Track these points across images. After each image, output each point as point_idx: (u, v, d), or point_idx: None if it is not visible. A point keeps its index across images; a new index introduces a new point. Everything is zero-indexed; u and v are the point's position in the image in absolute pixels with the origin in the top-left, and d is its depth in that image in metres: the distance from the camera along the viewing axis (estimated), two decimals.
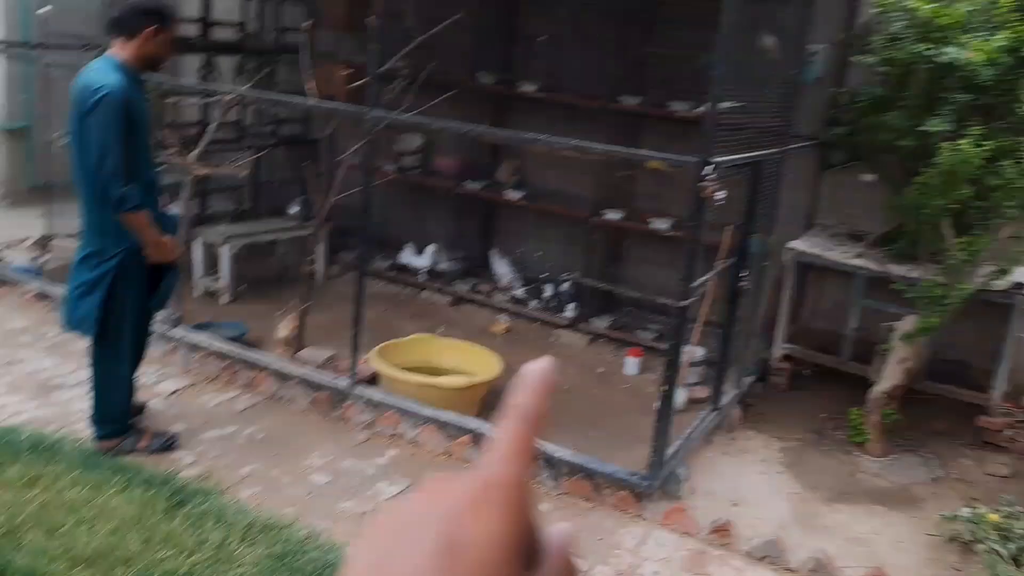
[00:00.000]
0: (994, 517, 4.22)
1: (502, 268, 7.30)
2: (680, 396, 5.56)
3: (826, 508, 4.56)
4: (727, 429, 5.30)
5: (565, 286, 7.01)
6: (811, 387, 6.10)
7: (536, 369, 0.56)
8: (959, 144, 4.64)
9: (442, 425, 4.68)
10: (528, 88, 6.67)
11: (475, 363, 5.24)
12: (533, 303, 6.91)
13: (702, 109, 6.04)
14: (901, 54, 5.01)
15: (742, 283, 4.82)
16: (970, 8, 4.98)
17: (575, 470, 4.36)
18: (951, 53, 4.80)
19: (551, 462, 4.40)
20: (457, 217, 7.57)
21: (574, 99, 6.44)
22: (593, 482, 4.32)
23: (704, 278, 4.24)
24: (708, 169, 3.71)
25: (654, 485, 4.11)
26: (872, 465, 5.10)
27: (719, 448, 5.11)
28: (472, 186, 6.95)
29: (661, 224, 6.23)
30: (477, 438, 4.59)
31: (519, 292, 7.06)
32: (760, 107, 4.62)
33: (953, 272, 4.95)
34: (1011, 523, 4.23)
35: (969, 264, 4.92)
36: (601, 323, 6.62)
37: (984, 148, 4.64)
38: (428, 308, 7.16)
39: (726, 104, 3.95)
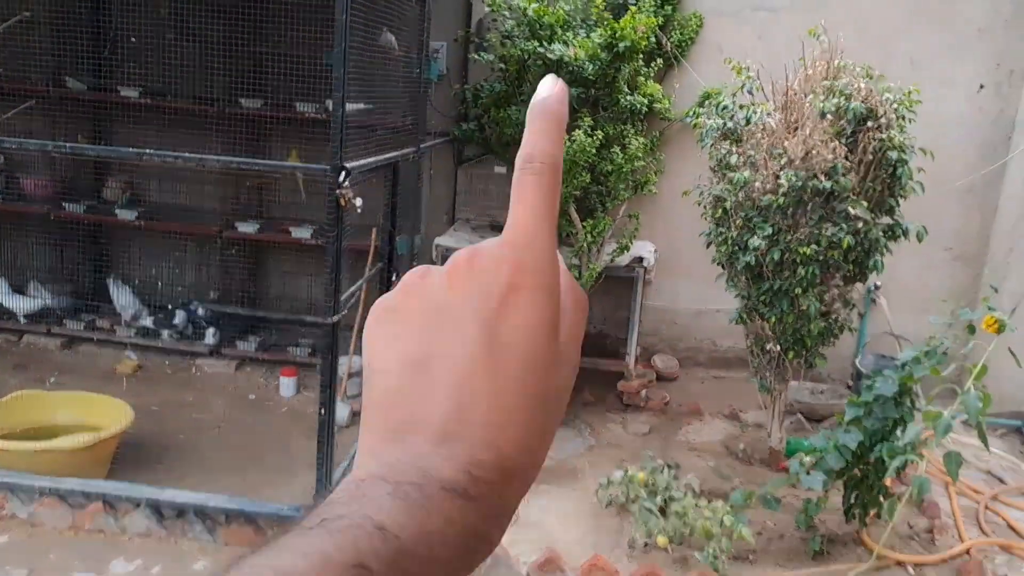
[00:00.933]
0: (641, 476, 4.57)
1: (123, 298, 6.44)
2: (343, 411, 5.33)
3: None
4: None
5: (201, 310, 6.38)
6: None
7: (549, 97, 0.49)
8: (575, 135, 4.93)
9: (64, 495, 3.93)
10: (129, 94, 5.90)
11: (99, 415, 4.50)
12: (165, 333, 6.19)
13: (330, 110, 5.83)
14: (515, 51, 5.21)
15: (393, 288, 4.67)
16: (568, 7, 5.32)
17: (233, 517, 3.91)
18: (558, 50, 5.08)
19: (203, 513, 3.90)
20: (58, 246, 6.51)
21: (186, 104, 5.82)
22: (255, 526, 3.91)
23: (353, 288, 4.02)
24: (342, 176, 3.47)
25: None
26: None
27: None
28: (73, 208, 6.00)
29: (302, 232, 5.90)
30: (111, 504, 3.93)
31: (147, 323, 6.28)
32: (389, 106, 4.49)
33: (583, 253, 5.28)
34: (655, 478, 4.62)
35: (595, 244, 5.28)
36: (248, 345, 6.12)
37: (595, 138, 4.99)
38: (33, 355, 6.09)
39: (354, 106, 3.75)
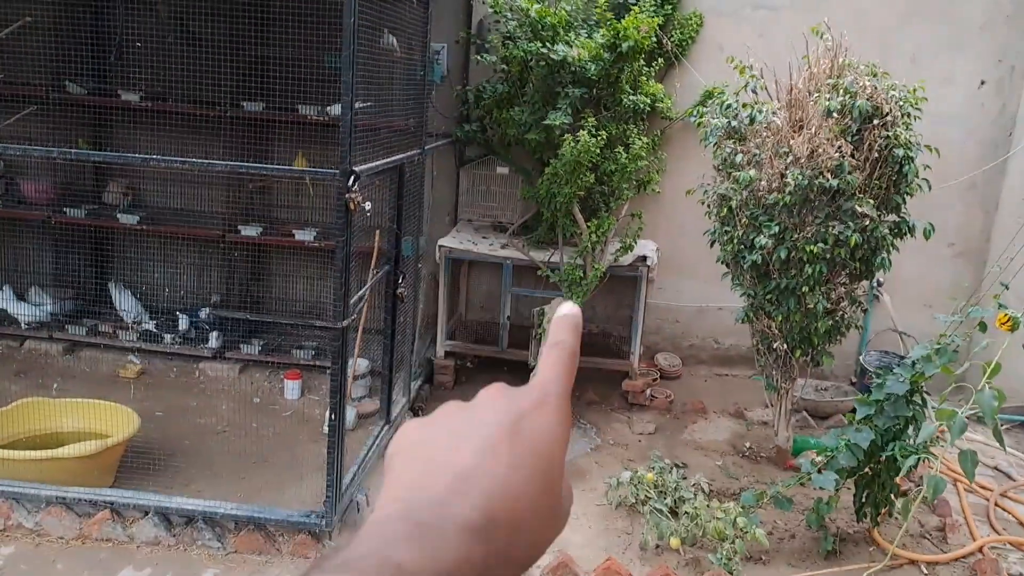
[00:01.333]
0: (650, 476, 4.57)
1: (125, 302, 6.41)
2: (348, 414, 5.31)
3: None
4: None
5: (204, 313, 6.35)
6: (476, 380, 6.19)
7: (569, 312, 0.65)
8: (579, 135, 4.92)
9: (70, 504, 3.91)
10: (131, 98, 5.87)
11: (104, 422, 4.48)
12: (168, 337, 6.16)
13: (335, 113, 5.80)
14: (517, 52, 5.19)
15: (400, 289, 4.66)
16: (570, 7, 5.31)
17: (242, 524, 3.89)
18: (561, 51, 5.06)
19: (212, 520, 3.88)
20: (60, 251, 6.48)
21: (188, 108, 5.80)
22: (265, 532, 3.90)
23: (361, 292, 4.01)
24: (351, 180, 3.46)
25: (332, 521, 3.81)
26: None
27: None
28: (74, 213, 5.97)
29: (306, 235, 5.87)
30: (119, 512, 3.91)
31: (150, 327, 6.25)
32: (394, 109, 4.48)
33: (587, 253, 5.28)
34: (664, 478, 4.62)
35: (600, 244, 5.27)
36: (251, 348, 6.09)
37: (600, 138, 4.98)
38: (36, 361, 6.05)
39: (361, 106, 3.73)
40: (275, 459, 4.89)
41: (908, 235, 4.63)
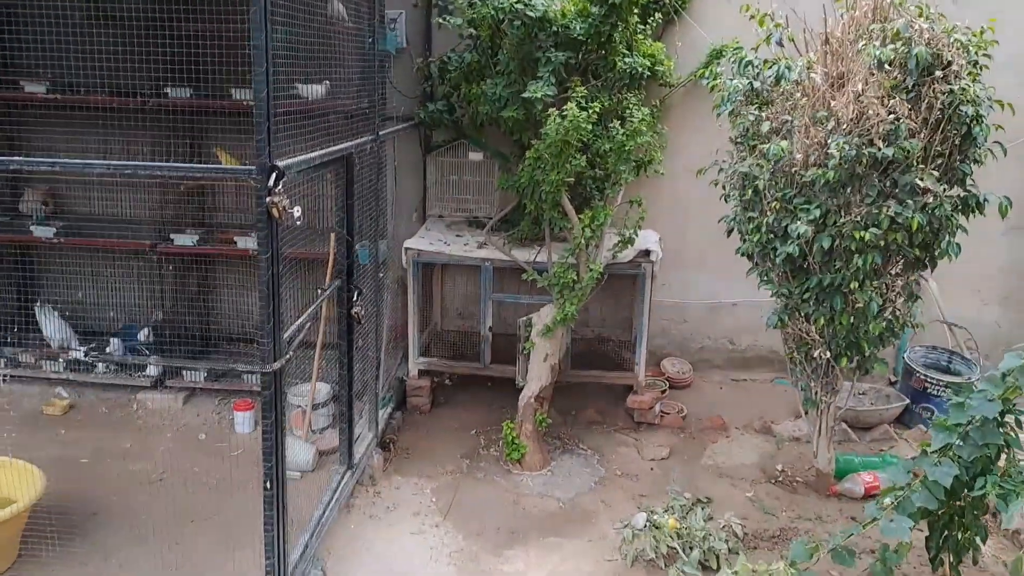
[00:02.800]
0: (672, 523, 3.74)
1: (53, 327, 5.52)
2: (306, 453, 4.45)
3: (497, 560, 3.76)
4: (369, 483, 4.30)
5: (142, 335, 5.47)
6: (455, 400, 5.35)
7: None
8: (566, 109, 4.05)
9: None
10: (35, 89, 4.96)
11: (5, 481, 3.64)
12: (100, 366, 5.28)
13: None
14: (486, 10, 4.29)
15: (356, 309, 3.79)
16: None
17: None
18: (540, 5, 4.18)
19: None
20: None
21: (102, 99, 4.87)
22: None
23: (302, 318, 3.14)
24: (273, 178, 2.58)
25: None
26: (535, 483, 4.44)
27: (363, 511, 4.08)
28: None
29: (250, 242, 4.99)
30: None
31: (79, 354, 5.37)
32: (338, 88, 3.59)
33: (580, 251, 4.42)
34: (688, 524, 3.80)
35: (595, 239, 4.42)
36: (195, 375, 5.22)
37: (591, 111, 4.11)
38: None
39: (293, 90, 2.86)
40: (218, 514, 4.04)
41: (976, 212, 3.78)
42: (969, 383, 3.32)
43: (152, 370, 5.24)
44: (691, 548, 3.64)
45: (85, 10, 4.91)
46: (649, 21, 4.85)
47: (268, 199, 2.61)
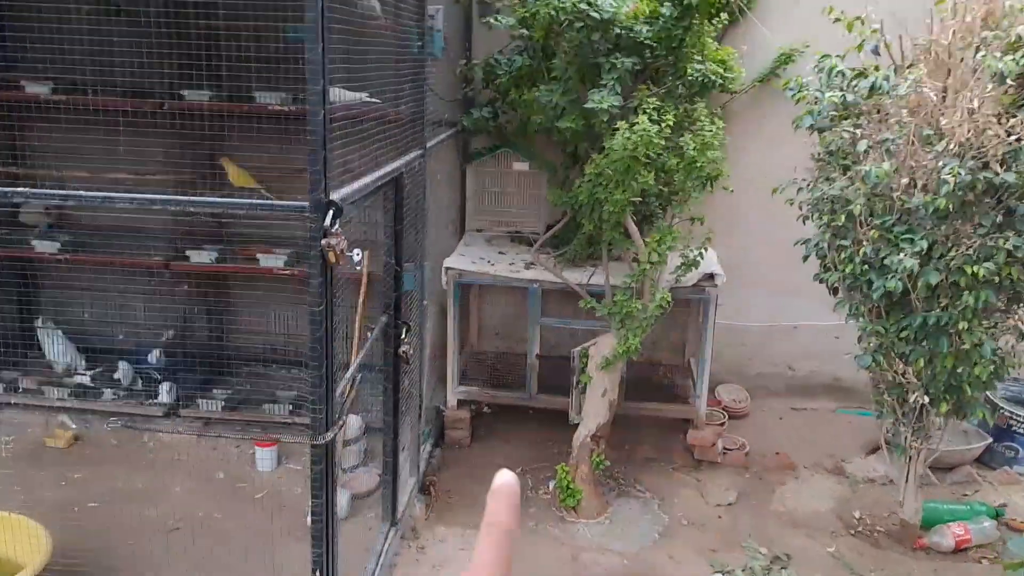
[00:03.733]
0: None
1: (57, 348, 5.10)
2: (341, 499, 4.03)
3: None
4: (411, 536, 3.88)
5: (153, 358, 5.04)
6: (496, 432, 4.93)
7: (504, 483, 0.64)
8: (636, 122, 3.61)
9: None
10: (39, 90, 4.52)
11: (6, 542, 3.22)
12: (108, 391, 4.86)
13: (308, 104, 4.47)
14: (544, 10, 3.84)
15: (404, 348, 3.36)
16: None
17: None
18: (607, 7, 3.73)
19: None
20: None
21: (113, 102, 4.43)
22: None
23: (348, 373, 2.71)
24: (330, 217, 2.15)
25: None
26: (592, 533, 4.03)
27: (407, 572, 3.67)
28: None
29: (273, 261, 4.56)
30: None
31: (85, 379, 4.95)
32: (384, 96, 3.15)
33: (646, 276, 3.99)
34: None
35: (662, 263, 3.99)
36: (211, 404, 4.80)
37: (664, 123, 3.68)
38: None
39: (339, 101, 2.43)
40: (245, 567, 3.62)
41: None
42: None
43: (164, 397, 4.82)
44: None
45: (94, 4, 4.48)
46: (713, 22, 4.40)
47: (324, 241, 2.19)
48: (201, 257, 4.61)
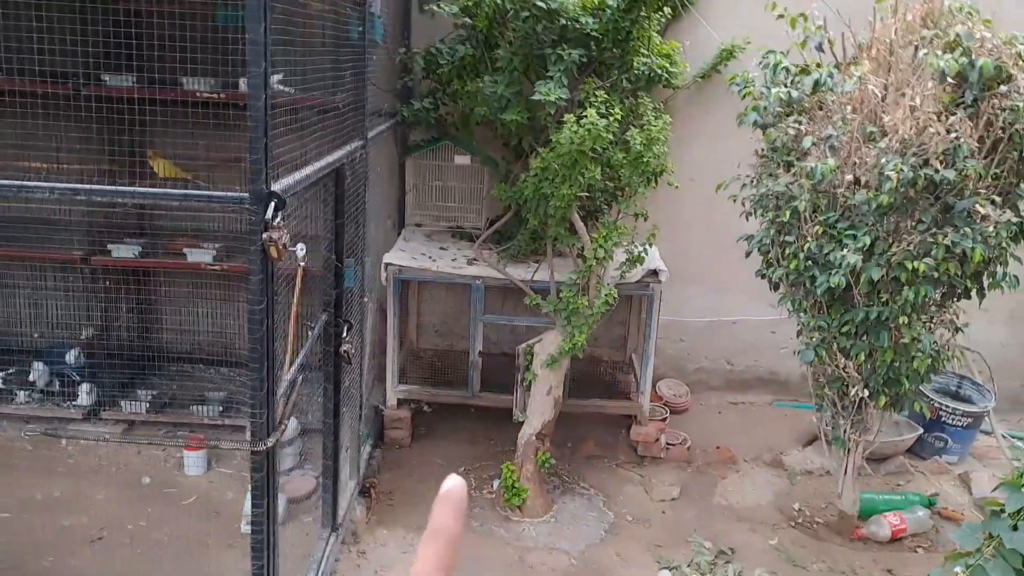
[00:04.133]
0: None
1: None
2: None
3: None
4: (352, 540, 3.75)
5: (70, 357, 4.77)
6: (437, 431, 4.82)
7: (452, 489, 0.64)
8: (584, 115, 3.55)
9: None
10: None
11: None
12: (22, 394, 4.57)
13: (248, 88, 4.27)
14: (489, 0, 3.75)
15: (345, 347, 3.23)
16: None
17: None
18: None
19: None
20: None
21: (24, 84, 4.15)
22: None
23: (286, 378, 2.57)
24: (271, 209, 2.02)
25: None
26: (538, 532, 3.97)
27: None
28: None
29: (201, 255, 4.35)
30: None
31: None
32: (319, 86, 3.01)
33: (591, 272, 3.94)
34: None
35: (607, 259, 3.94)
36: (135, 405, 4.56)
37: (612, 118, 3.63)
38: None
39: (279, 81, 2.29)
40: None
41: None
42: (984, 411, 2.94)
43: (84, 399, 4.56)
44: None
45: None
46: (656, 16, 4.37)
47: (265, 235, 2.05)
48: (123, 252, 4.37)
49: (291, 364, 2.57)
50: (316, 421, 4.55)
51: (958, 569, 2.93)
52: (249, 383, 2.15)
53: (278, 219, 2.06)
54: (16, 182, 2.10)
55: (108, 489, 4.12)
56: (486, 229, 4.71)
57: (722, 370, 5.46)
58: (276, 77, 2.33)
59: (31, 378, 4.63)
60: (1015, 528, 2.85)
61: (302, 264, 2.29)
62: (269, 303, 2.11)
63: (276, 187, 2.09)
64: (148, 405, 4.58)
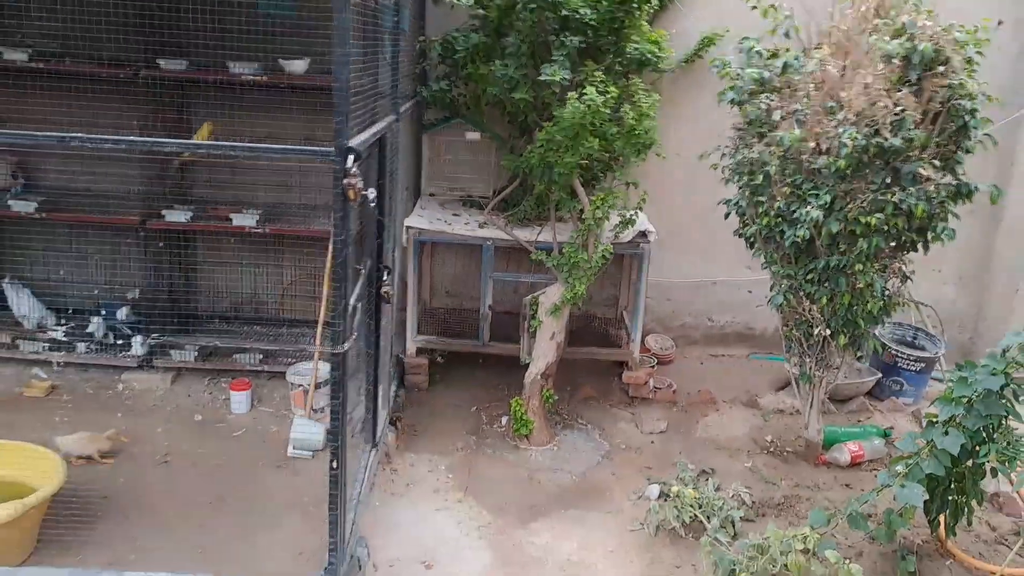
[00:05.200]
0: (692, 493, 3.92)
1: (24, 304, 5.32)
2: (318, 433, 4.46)
3: (524, 532, 3.88)
4: (385, 460, 4.33)
5: (124, 313, 5.32)
6: (450, 378, 5.40)
7: None
8: (585, 93, 4.13)
9: None
10: (18, 57, 4.73)
11: (15, 468, 3.54)
12: (82, 345, 5.12)
13: (293, 69, 4.81)
14: None
15: (386, 288, 3.81)
16: None
17: None
18: None
19: None
20: None
21: (89, 68, 4.69)
22: None
23: (352, 301, 3.15)
24: (351, 160, 2.59)
25: None
26: (543, 457, 4.57)
27: (384, 489, 4.13)
28: None
29: (246, 219, 4.91)
30: None
31: (58, 333, 5.19)
32: (373, 67, 3.57)
33: (591, 232, 4.53)
34: (705, 493, 3.98)
35: (604, 220, 4.53)
36: (185, 353, 5.12)
37: (609, 95, 4.21)
38: None
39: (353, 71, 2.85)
40: (235, 496, 4.02)
41: (966, 199, 4.06)
42: (982, 364, 3.53)
43: (138, 349, 5.11)
44: (709, 517, 3.83)
45: None
46: (646, 7, 4.95)
47: (345, 181, 2.62)
48: (176, 216, 4.92)
49: (354, 292, 3.14)
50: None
51: (900, 468, 3.56)
52: (333, 296, 2.71)
53: (354, 168, 2.63)
54: (146, 138, 2.65)
55: (166, 425, 4.68)
56: (494, 198, 5.29)
57: (704, 326, 6.08)
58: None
59: (89, 331, 5.18)
60: (946, 433, 3.47)
61: (373, 205, 2.85)
62: (347, 235, 2.68)
63: (352, 143, 2.66)
64: (196, 354, 5.13)
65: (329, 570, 2.96)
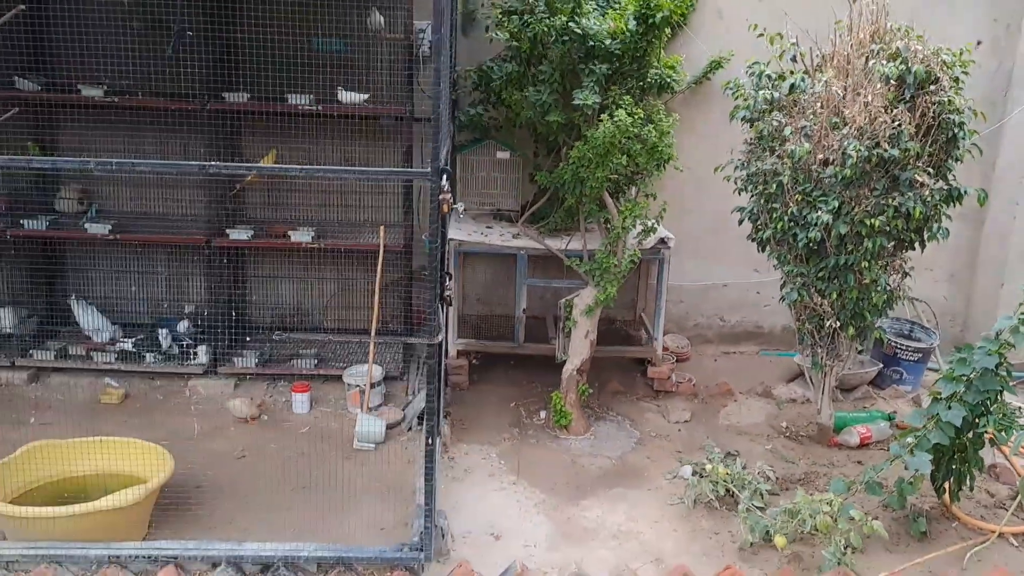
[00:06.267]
0: (724, 471, 4.39)
1: (91, 319, 5.74)
2: (380, 427, 4.90)
3: (576, 508, 4.33)
4: (442, 450, 4.78)
5: (186, 326, 5.76)
6: (488, 378, 5.86)
7: None
8: (616, 115, 4.63)
9: (125, 563, 3.40)
10: (92, 93, 5.19)
11: (129, 462, 3.97)
12: (150, 356, 5.54)
13: (347, 99, 5.26)
14: (538, 27, 4.84)
15: (448, 292, 4.26)
16: None
17: (326, 566, 3.48)
18: (591, 25, 4.75)
19: (293, 564, 3.44)
20: (6, 267, 5.73)
21: (160, 104, 5.16)
22: (355, 573, 3.49)
23: (449, 287, 3.61)
24: (444, 178, 3.08)
25: (431, 554, 3.45)
26: (582, 445, 5.03)
27: (446, 475, 4.57)
28: (32, 226, 5.25)
29: (302, 236, 5.37)
30: (183, 566, 3.43)
31: (127, 345, 5.62)
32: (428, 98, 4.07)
33: (619, 239, 5.01)
34: (734, 471, 4.45)
35: (631, 228, 5.02)
36: (246, 361, 5.56)
37: (636, 116, 4.71)
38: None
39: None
40: (311, 484, 4.44)
41: (956, 202, 4.58)
42: (978, 346, 4.01)
43: (202, 357, 5.54)
44: (740, 489, 4.30)
45: (142, 17, 5.18)
46: (663, 36, 5.47)
47: (440, 196, 3.10)
48: (238, 234, 5.37)
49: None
50: (394, 370, 5.61)
51: (910, 439, 4.04)
52: (426, 294, 3.18)
53: (446, 185, 3.11)
54: (279, 165, 3.12)
55: (235, 425, 5.11)
56: (524, 211, 5.78)
57: (716, 325, 6.57)
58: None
59: (159, 339, 5.61)
60: (949, 408, 3.95)
61: (462, 216, 3.31)
62: (443, 241, 3.15)
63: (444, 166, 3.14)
64: (256, 360, 5.57)
65: (424, 534, 3.41)
